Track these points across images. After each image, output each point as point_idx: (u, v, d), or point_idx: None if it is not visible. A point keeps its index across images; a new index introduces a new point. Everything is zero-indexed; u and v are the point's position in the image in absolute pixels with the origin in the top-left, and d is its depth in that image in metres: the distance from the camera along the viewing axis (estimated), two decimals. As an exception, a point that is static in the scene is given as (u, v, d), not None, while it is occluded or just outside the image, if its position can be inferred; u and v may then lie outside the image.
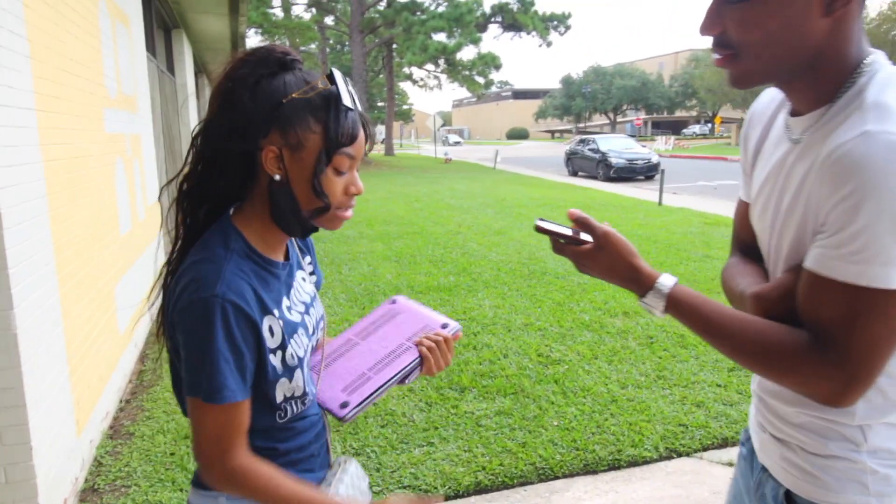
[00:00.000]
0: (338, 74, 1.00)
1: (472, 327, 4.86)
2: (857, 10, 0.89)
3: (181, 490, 2.76)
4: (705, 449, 3.09)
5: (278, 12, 27.84)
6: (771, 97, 1.10)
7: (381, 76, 39.08)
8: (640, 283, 1.00)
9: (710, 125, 58.22)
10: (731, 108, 47.44)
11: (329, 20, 32.06)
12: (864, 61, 0.90)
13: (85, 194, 3.34)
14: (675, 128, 65.12)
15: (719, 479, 2.85)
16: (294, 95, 0.97)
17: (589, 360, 4.20)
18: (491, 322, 4.98)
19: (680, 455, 3.05)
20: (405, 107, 56.75)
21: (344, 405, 1.11)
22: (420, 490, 2.76)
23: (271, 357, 1.01)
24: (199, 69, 14.22)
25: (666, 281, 0.99)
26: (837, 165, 0.83)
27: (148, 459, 3.04)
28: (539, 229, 1.05)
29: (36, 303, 2.43)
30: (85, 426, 2.99)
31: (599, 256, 1.02)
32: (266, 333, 1.00)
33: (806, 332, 0.89)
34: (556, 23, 28.83)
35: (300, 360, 1.07)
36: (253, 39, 29.65)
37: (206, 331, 0.94)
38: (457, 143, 60.58)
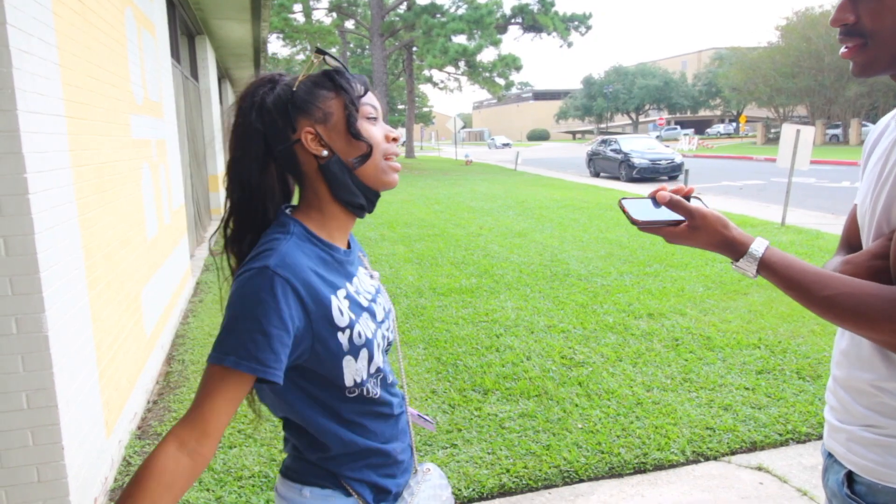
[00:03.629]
0: (323, 48, 1.08)
1: (494, 329, 4.84)
2: None
3: (207, 490, 2.79)
4: (733, 453, 3.04)
5: (299, 17, 28.11)
6: (892, 115, 1.15)
7: (401, 79, 39.24)
8: (734, 249, 1.05)
9: (734, 124, 57.42)
10: (755, 107, 46.72)
11: (349, 24, 32.30)
12: None
13: (112, 199, 3.40)
14: (699, 127, 64.33)
15: (748, 483, 2.80)
16: (299, 79, 1.05)
17: (613, 362, 4.16)
18: (513, 324, 4.96)
19: (707, 459, 3.00)
20: (425, 109, 56.86)
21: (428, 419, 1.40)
22: (444, 492, 2.75)
23: (339, 335, 1.03)
24: (222, 74, 14.41)
25: (758, 246, 1.04)
26: None
27: (175, 460, 3.08)
28: (623, 209, 1.10)
29: (66, 306, 2.48)
30: (114, 427, 3.04)
31: (695, 235, 1.07)
32: (336, 312, 1.02)
33: None
34: (576, 23, 28.66)
35: (368, 340, 1.07)
36: (274, 44, 30.00)
37: (251, 299, 0.94)
38: (506, 146, 58.83)
